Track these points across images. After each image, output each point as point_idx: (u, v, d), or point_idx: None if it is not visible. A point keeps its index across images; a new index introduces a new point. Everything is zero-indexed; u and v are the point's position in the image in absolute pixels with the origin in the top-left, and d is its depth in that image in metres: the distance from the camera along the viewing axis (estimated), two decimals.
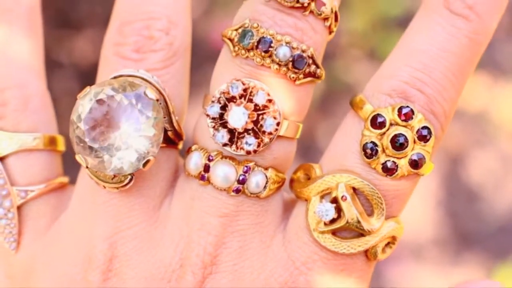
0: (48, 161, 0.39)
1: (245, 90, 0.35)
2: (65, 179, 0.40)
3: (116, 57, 0.38)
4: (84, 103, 0.34)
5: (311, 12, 0.35)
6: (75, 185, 0.40)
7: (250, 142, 0.35)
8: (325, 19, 0.36)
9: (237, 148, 0.36)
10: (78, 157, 0.35)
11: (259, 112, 0.35)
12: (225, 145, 0.36)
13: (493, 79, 1.18)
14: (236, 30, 0.36)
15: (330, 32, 0.37)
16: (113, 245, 0.37)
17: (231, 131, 0.35)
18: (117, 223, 0.37)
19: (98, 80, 0.39)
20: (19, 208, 0.38)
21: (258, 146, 0.35)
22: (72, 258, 0.37)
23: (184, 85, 0.39)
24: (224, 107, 0.35)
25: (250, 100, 0.35)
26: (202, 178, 0.36)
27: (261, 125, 0.35)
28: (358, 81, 1.11)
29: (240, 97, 0.35)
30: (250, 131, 0.35)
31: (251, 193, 0.36)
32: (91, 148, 0.35)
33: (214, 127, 0.36)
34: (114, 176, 0.36)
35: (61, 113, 0.54)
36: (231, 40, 0.36)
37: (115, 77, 0.36)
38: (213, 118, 0.36)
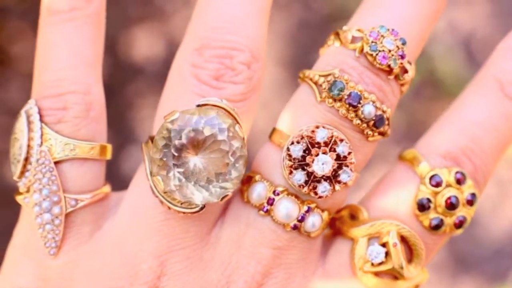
0: (98, 170, 0.38)
1: (329, 138, 0.36)
2: (108, 189, 0.39)
3: (194, 79, 0.37)
4: (171, 127, 0.34)
5: (395, 76, 0.37)
6: (120, 194, 0.39)
7: (325, 189, 0.36)
8: (403, 84, 0.38)
9: (309, 190, 0.36)
10: (156, 179, 0.34)
11: (339, 162, 0.36)
12: (299, 186, 0.36)
13: None
14: (325, 76, 0.36)
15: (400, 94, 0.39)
16: (163, 263, 0.37)
17: (309, 175, 0.36)
18: (170, 243, 0.37)
19: (166, 91, 0.38)
20: (66, 215, 0.37)
21: (329, 193, 0.36)
22: (116, 271, 0.37)
23: (253, 116, 0.39)
24: (306, 150, 0.36)
25: (333, 149, 0.36)
26: (263, 209, 0.37)
27: (338, 175, 0.36)
28: None
29: (324, 144, 0.36)
30: (327, 178, 0.36)
31: (305, 231, 0.37)
32: (172, 171, 0.34)
33: (291, 166, 0.36)
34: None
35: None
36: (316, 84, 0.37)
37: (200, 105, 0.35)
38: (294, 158, 0.36)
